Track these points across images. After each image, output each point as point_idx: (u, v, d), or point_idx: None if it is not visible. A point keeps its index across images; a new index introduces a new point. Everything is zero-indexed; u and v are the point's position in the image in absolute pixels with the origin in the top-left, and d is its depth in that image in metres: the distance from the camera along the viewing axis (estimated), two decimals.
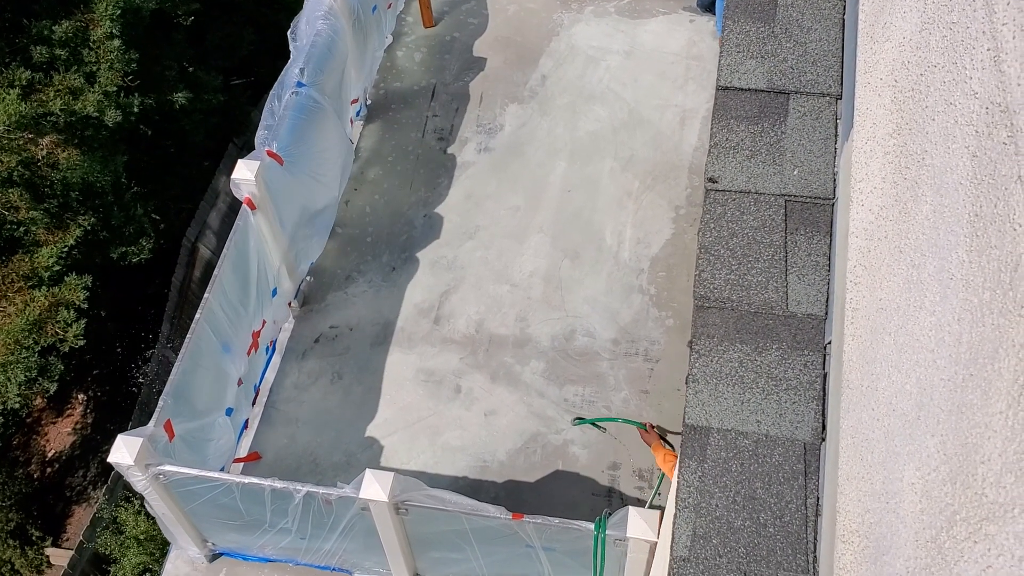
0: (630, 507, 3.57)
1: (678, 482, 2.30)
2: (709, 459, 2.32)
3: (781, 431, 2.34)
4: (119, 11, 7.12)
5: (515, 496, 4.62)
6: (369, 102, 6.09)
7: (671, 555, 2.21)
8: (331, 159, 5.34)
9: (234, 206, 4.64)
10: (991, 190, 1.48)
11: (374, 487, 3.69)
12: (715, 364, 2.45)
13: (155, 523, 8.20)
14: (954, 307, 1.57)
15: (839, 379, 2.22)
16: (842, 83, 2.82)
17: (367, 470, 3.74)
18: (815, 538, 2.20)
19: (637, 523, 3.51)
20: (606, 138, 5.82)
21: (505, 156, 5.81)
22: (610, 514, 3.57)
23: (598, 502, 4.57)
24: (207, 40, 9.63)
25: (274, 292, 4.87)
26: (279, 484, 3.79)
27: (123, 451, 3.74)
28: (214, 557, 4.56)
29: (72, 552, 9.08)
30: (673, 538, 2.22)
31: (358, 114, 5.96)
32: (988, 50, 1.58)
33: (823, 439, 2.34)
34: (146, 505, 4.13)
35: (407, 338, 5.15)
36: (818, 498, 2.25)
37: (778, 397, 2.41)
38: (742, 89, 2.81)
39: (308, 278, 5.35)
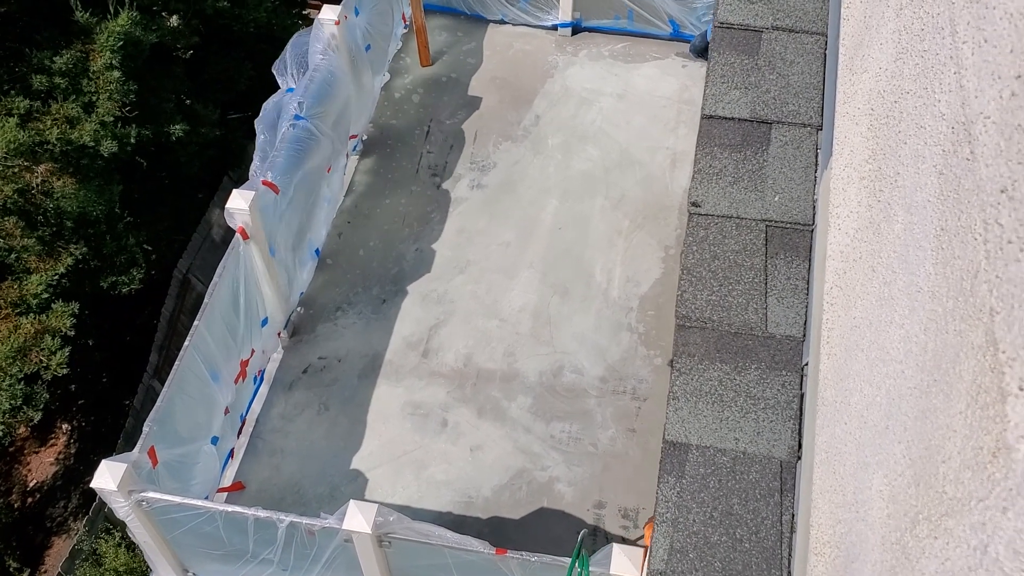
0: (614, 544, 3.56)
1: (657, 497, 2.32)
2: (688, 475, 2.33)
3: (758, 449, 2.37)
4: (120, 43, 7.23)
5: (499, 532, 4.60)
6: (365, 137, 6.17)
7: (648, 568, 2.22)
8: (323, 191, 5.40)
9: (226, 238, 4.67)
10: (955, 204, 1.54)
11: (357, 518, 3.68)
12: (695, 382, 2.49)
13: (135, 555, 8.11)
14: (921, 318, 1.62)
15: (815, 398, 2.26)
16: (822, 114, 2.90)
17: (351, 501, 3.73)
18: (789, 554, 2.21)
19: (620, 560, 3.49)
20: (597, 178, 5.90)
21: (497, 193, 5.88)
22: (588, 543, 3.55)
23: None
24: (205, 74, 9.75)
25: (264, 321, 4.89)
26: (262, 514, 3.77)
27: (106, 476, 3.73)
28: None
29: None
30: (651, 551, 2.23)
31: (354, 149, 6.05)
32: (954, 73, 1.64)
33: (799, 458, 2.36)
34: (128, 533, 4.10)
35: (395, 371, 5.16)
36: (793, 515, 2.27)
37: (756, 416, 2.44)
38: (726, 118, 2.89)
39: (298, 309, 5.37)
